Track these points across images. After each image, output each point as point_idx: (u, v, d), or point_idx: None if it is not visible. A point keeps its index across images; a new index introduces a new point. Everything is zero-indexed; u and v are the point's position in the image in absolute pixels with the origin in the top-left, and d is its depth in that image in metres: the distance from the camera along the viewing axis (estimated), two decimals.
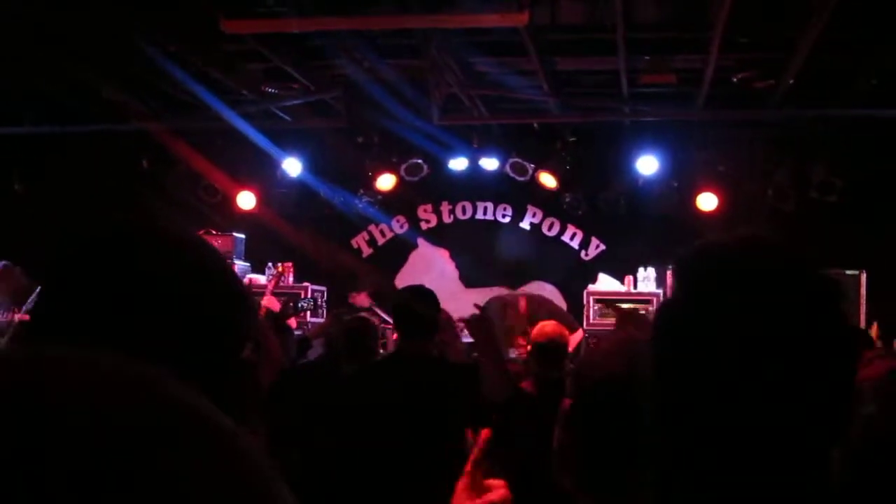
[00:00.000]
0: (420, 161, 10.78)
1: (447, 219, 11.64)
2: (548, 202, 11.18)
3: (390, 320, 9.01)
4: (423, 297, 5.05)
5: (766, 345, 1.14)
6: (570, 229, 11.34)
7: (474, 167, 10.90)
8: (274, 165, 10.97)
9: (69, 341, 0.98)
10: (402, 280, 11.54)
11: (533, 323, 8.26)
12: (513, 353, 8.49)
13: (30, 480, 0.42)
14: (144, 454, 0.44)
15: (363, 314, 6.99)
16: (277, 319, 6.71)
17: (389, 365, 5.28)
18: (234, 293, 1.22)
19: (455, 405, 4.71)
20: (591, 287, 10.11)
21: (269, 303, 7.98)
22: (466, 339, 8.94)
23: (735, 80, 8.71)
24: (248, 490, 0.47)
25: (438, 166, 10.96)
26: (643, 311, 8.33)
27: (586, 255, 11.32)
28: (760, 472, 1.14)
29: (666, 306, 1.26)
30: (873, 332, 8.04)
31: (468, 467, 1.72)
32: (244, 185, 11.12)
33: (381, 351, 6.76)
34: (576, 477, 1.78)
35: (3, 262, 8.85)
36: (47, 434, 0.43)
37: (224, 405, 0.49)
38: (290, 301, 7.76)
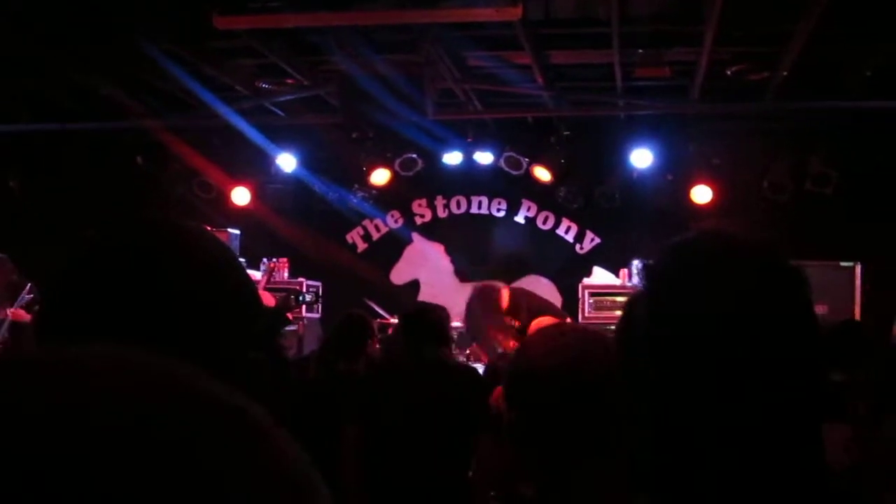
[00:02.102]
0: (414, 156, 10.78)
1: (442, 213, 11.63)
2: (542, 196, 11.18)
3: (385, 314, 9.05)
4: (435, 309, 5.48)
5: (730, 329, 1.16)
6: (565, 223, 11.34)
7: (469, 161, 10.90)
8: (268, 161, 10.96)
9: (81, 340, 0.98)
10: (397, 275, 11.54)
11: (514, 316, 8.21)
12: (499, 349, 8.41)
13: (66, 483, 0.42)
14: (180, 451, 0.44)
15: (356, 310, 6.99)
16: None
17: (408, 368, 5.35)
18: (246, 288, 1.21)
19: (467, 411, 4.88)
20: (585, 280, 10.11)
21: (263, 298, 7.97)
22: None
23: (729, 72, 8.72)
24: (284, 481, 0.47)
25: (433, 161, 10.95)
26: None
27: (581, 248, 11.32)
28: (745, 452, 1.16)
29: (634, 299, 1.27)
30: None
31: None
32: (239, 181, 11.11)
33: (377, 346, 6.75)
34: (537, 481, 1.73)
35: None
36: (79, 437, 0.43)
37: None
38: (291, 294, 7.71)
